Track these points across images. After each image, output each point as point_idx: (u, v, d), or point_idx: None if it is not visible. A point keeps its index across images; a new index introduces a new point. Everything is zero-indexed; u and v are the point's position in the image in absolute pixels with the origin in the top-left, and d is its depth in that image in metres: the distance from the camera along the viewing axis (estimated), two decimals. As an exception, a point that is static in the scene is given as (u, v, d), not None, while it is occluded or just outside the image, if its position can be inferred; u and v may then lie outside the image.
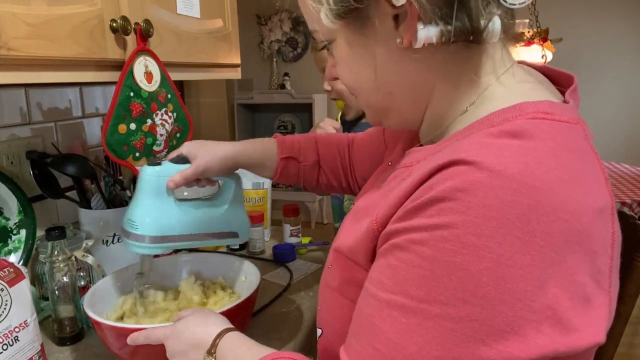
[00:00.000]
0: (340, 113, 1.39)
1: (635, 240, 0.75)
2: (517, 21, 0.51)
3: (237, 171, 0.85)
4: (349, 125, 1.43)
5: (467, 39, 0.46)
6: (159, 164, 0.76)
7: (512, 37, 0.51)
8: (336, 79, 0.59)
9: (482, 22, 0.45)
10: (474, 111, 0.49)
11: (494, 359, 0.38)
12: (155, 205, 0.76)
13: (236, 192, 0.85)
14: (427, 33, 0.45)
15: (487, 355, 0.39)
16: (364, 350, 0.45)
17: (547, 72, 0.56)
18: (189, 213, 0.79)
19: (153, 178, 0.75)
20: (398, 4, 0.44)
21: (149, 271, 0.85)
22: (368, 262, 0.50)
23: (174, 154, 0.78)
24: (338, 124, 1.31)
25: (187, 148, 0.78)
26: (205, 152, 0.78)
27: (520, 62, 0.55)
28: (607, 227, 0.42)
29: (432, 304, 0.40)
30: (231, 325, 0.64)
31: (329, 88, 1.31)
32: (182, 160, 0.77)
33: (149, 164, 0.76)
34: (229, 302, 0.86)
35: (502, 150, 0.41)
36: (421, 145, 0.57)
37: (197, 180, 0.80)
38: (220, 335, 0.60)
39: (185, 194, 0.92)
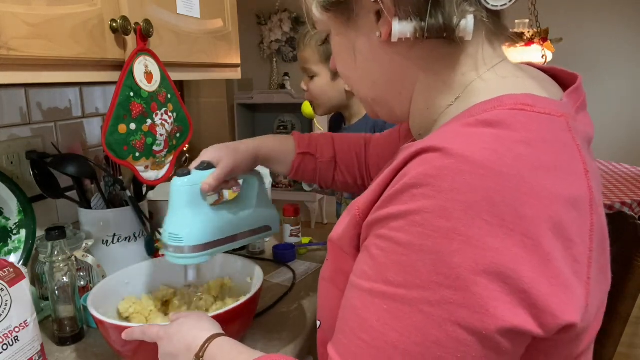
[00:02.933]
0: (314, 121, 1.42)
1: (636, 240, 0.75)
2: (517, 21, 0.51)
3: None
4: (334, 130, 1.45)
5: (441, 36, 0.47)
6: (188, 173, 0.76)
7: (500, 34, 0.52)
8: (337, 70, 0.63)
9: (455, 20, 0.46)
10: (458, 105, 0.50)
11: (470, 340, 0.39)
12: (193, 214, 0.76)
13: (260, 187, 0.87)
14: (402, 28, 0.47)
15: (464, 337, 0.39)
16: (350, 343, 0.45)
17: (553, 72, 0.57)
18: (224, 216, 0.81)
19: (186, 188, 0.75)
20: None
21: (196, 280, 0.87)
22: (353, 250, 0.51)
23: (196, 163, 0.79)
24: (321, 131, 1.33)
25: (208, 154, 0.79)
26: (228, 151, 0.79)
27: (526, 63, 0.56)
28: (583, 218, 0.42)
29: (410, 288, 0.41)
30: (222, 331, 0.64)
31: (305, 88, 1.33)
32: (208, 166, 0.78)
33: (178, 175, 0.76)
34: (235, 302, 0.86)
35: (473, 137, 0.42)
36: (413, 140, 0.58)
37: (225, 181, 0.80)
38: (209, 340, 0.61)
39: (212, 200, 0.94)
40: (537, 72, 0.56)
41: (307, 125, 4.20)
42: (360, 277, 0.46)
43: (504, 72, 0.51)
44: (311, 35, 1.25)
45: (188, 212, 0.76)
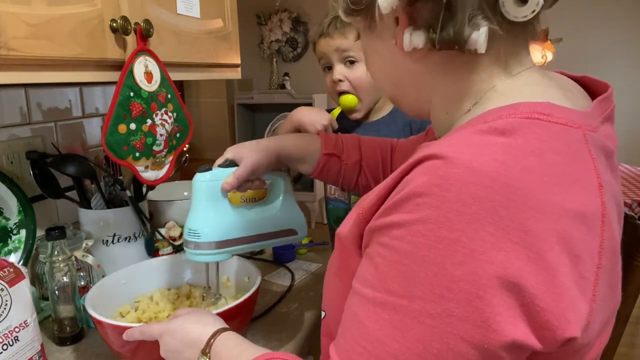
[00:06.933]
0: (338, 110, 1.30)
1: (636, 240, 0.74)
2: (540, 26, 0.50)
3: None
4: (348, 124, 1.37)
5: (452, 48, 0.47)
6: (209, 169, 0.77)
7: (527, 41, 0.51)
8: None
9: (466, 33, 0.45)
10: (475, 110, 0.50)
11: (472, 353, 0.39)
12: (213, 211, 0.76)
13: (286, 189, 0.86)
14: (414, 39, 0.48)
15: (466, 350, 0.39)
16: (351, 348, 0.45)
17: (584, 81, 0.56)
18: (245, 215, 0.80)
19: (206, 184, 0.76)
20: (385, 11, 0.48)
21: (217, 282, 0.85)
22: (356, 248, 0.51)
23: (220, 160, 0.79)
24: (330, 120, 1.12)
25: (232, 152, 0.79)
26: (250, 150, 0.79)
27: (558, 72, 0.56)
28: (593, 234, 0.42)
29: (411, 299, 0.41)
30: (226, 326, 0.64)
31: (342, 78, 1.13)
32: (231, 164, 0.77)
33: (199, 171, 0.77)
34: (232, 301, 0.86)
35: (482, 146, 0.41)
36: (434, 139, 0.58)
37: (249, 181, 0.80)
38: (215, 335, 0.61)
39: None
40: (566, 81, 0.54)
41: (307, 125, 4.19)
42: (362, 284, 0.46)
43: (526, 80, 0.49)
44: (341, 20, 1.13)
45: (207, 208, 0.76)
